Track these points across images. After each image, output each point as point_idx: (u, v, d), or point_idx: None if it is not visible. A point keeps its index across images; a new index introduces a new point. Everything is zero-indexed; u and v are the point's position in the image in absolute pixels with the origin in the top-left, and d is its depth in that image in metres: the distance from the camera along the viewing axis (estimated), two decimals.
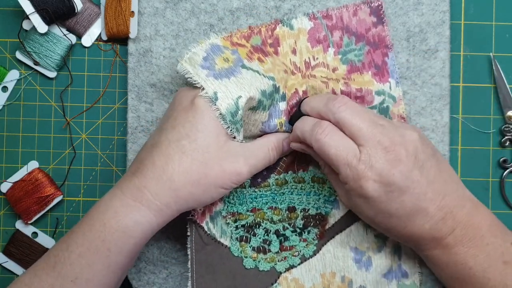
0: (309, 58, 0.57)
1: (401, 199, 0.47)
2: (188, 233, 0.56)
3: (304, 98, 0.54)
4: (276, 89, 0.52)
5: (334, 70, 0.57)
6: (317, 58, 0.57)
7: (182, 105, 0.50)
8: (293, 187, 0.57)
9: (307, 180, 0.57)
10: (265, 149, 0.52)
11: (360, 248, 0.57)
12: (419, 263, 0.57)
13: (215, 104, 0.49)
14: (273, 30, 0.57)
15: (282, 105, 0.53)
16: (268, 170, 0.56)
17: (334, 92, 0.54)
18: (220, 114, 0.49)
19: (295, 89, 0.54)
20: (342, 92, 0.54)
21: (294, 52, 0.57)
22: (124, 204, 0.48)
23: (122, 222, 0.48)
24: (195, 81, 0.50)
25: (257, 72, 0.52)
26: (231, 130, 0.50)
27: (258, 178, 0.56)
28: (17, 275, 0.61)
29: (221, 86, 0.50)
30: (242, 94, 0.50)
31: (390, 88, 0.57)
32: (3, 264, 0.61)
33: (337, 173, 0.49)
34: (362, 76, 0.56)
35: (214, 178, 0.49)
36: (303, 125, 0.51)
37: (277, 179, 0.57)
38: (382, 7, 0.57)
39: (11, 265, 0.61)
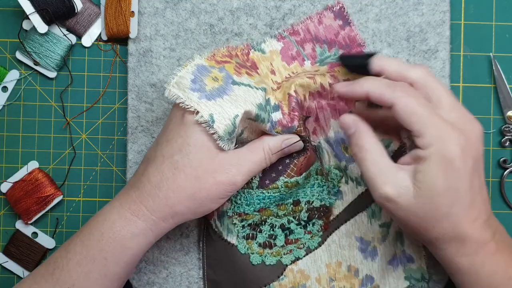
0: (288, 74, 0.57)
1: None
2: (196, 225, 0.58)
3: (372, 54, 0.51)
4: (267, 101, 0.52)
5: (316, 71, 0.56)
6: (296, 72, 0.57)
7: (176, 119, 0.50)
8: (301, 185, 0.56)
9: (312, 174, 0.56)
10: (260, 153, 0.52)
11: (366, 238, 0.58)
12: (424, 246, 0.56)
13: (213, 128, 0.48)
14: (248, 54, 0.57)
15: (275, 116, 0.52)
16: (278, 172, 0.54)
17: (322, 87, 0.54)
18: (219, 136, 0.48)
19: (288, 94, 0.53)
20: (331, 85, 0.54)
21: (273, 72, 0.57)
22: (121, 216, 0.49)
23: (119, 234, 0.49)
24: (187, 105, 0.48)
25: (249, 85, 0.50)
26: (225, 147, 0.49)
27: (266, 180, 0.55)
28: (17, 275, 0.61)
29: (215, 107, 0.48)
30: (238, 112, 0.49)
31: None
32: (3, 264, 0.61)
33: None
34: (345, 69, 0.55)
35: (209, 191, 0.49)
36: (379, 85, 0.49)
37: (286, 182, 0.54)
38: (344, 8, 0.58)
39: (11, 265, 0.61)
